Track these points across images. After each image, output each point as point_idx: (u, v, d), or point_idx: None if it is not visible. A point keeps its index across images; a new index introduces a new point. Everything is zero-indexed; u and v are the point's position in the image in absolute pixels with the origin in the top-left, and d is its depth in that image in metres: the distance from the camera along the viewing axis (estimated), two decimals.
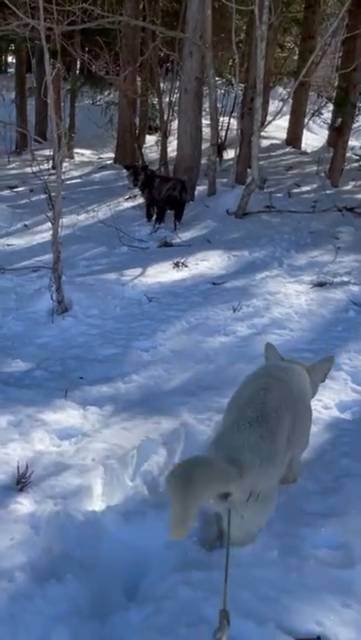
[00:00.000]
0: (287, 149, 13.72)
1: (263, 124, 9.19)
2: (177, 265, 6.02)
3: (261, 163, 9.97)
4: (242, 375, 3.58)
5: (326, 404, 3.24)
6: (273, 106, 16.32)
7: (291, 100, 14.29)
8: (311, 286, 5.15)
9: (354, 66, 9.16)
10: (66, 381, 3.63)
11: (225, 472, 1.91)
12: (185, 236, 7.27)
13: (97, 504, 2.48)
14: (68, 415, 3.17)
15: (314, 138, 15.89)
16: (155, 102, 12.40)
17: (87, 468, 2.62)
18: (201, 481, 1.85)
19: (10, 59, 23.25)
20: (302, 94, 13.99)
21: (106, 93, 15.63)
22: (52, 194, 4.69)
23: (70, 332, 4.50)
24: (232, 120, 12.87)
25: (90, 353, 4.18)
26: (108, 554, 2.24)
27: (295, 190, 9.51)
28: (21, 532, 2.22)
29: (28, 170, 8.22)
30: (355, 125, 11.87)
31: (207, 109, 9.97)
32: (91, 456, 2.73)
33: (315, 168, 10.74)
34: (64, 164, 11.06)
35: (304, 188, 9.73)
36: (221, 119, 11.80)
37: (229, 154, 11.10)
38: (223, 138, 12.10)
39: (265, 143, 13.45)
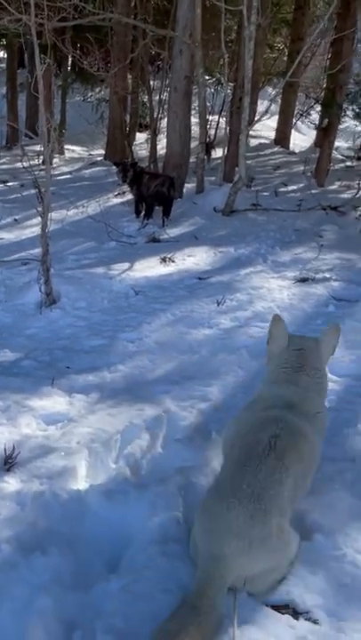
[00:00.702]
0: (276, 149, 13.87)
1: (251, 124, 9.31)
2: (164, 260, 6.13)
3: (250, 162, 10.10)
4: (224, 366, 3.73)
5: None
6: (262, 106, 16.45)
7: (279, 101, 14.45)
8: (294, 282, 5.28)
9: (340, 66, 9.30)
10: (53, 370, 3.73)
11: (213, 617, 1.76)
12: (173, 232, 7.37)
13: (81, 484, 2.58)
14: (54, 402, 3.26)
15: (302, 138, 16.06)
16: (145, 100, 12.48)
17: (72, 451, 2.72)
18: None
19: (1, 53, 23.16)
20: (291, 95, 14.15)
21: (97, 90, 15.66)
22: (42, 189, 4.78)
23: (58, 324, 4.59)
24: (221, 119, 12.97)
25: (77, 344, 4.27)
26: (91, 529, 2.34)
27: (282, 189, 9.65)
28: (8, 509, 2.32)
29: (19, 165, 8.27)
30: (341, 126, 12.03)
31: (197, 108, 10.07)
32: (76, 439, 2.83)
33: (302, 168, 10.89)
34: (54, 160, 11.12)
35: (291, 188, 9.88)
36: (211, 118, 11.91)
37: (218, 152, 11.21)
38: (212, 136, 12.20)
39: (254, 142, 13.59)
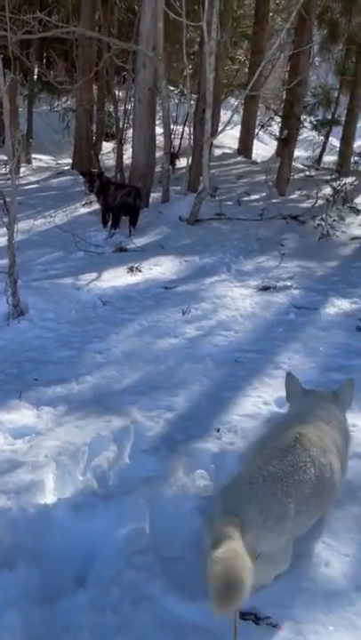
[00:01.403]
0: (238, 159, 14.01)
1: (214, 135, 9.39)
2: (131, 269, 6.13)
3: (213, 171, 10.18)
4: (189, 375, 3.76)
5: (266, 400, 3.41)
6: (226, 116, 16.61)
7: (242, 111, 14.62)
8: (256, 290, 5.35)
9: (298, 80, 9.48)
10: (21, 383, 3.69)
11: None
12: (139, 241, 7.38)
13: (49, 497, 2.57)
14: (22, 415, 3.24)
15: (264, 148, 16.28)
16: (111, 110, 12.45)
17: (40, 465, 2.71)
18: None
19: None
20: (252, 106, 14.33)
21: (63, 100, 15.54)
22: (7, 199, 4.72)
23: (26, 336, 4.55)
24: (185, 129, 13.04)
25: (45, 355, 4.24)
26: (59, 543, 2.33)
27: (245, 198, 9.76)
28: None
29: None
30: (301, 137, 12.25)
31: (161, 118, 10.10)
32: (43, 453, 2.82)
33: (264, 177, 11.03)
34: (21, 169, 10.98)
35: (253, 197, 9.99)
36: (175, 128, 11.96)
37: (183, 162, 11.27)
38: (177, 147, 12.26)
39: (217, 152, 13.70)
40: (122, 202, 7.70)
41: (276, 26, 17.57)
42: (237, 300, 5.01)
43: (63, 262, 6.52)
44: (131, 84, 10.75)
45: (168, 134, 9.25)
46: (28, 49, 11.04)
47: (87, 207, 8.88)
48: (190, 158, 9.70)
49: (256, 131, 15.03)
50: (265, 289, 5.36)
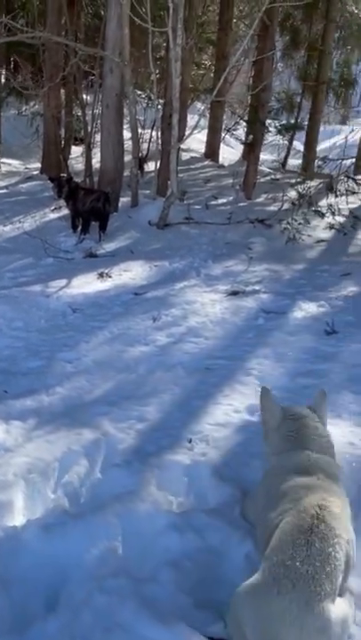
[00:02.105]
0: (206, 162, 13.97)
1: (182, 139, 9.32)
2: (101, 275, 6.01)
3: (182, 175, 10.11)
4: (161, 384, 3.67)
5: (236, 407, 3.35)
6: (193, 120, 16.55)
7: (208, 115, 14.58)
8: (225, 295, 5.30)
9: (262, 85, 9.48)
10: None
11: None
12: (109, 246, 7.26)
13: (18, 519, 2.45)
14: None
15: (231, 152, 16.28)
16: (79, 114, 12.24)
17: (8, 484, 2.58)
18: None
19: None
20: (218, 110, 14.30)
21: (31, 104, 15.22)
22: None
23: None
24: (153, 133, 12.93)
25: (14, 366, 4.09)
26: (28, 566, 2.21)
27: (212, 202, 9.71)
28: None
29: None
30: (266, 141, 12.28)
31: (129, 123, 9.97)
32: (12, 471, 2.69)
33: (231, 181, 11.01)
34: None
35: (221, 201, 9.96)
36: (143, 131, 11.84)
37: (150, 166, 11.16)
38: (145, 151, 12.14)
39: (185, 156, 13.63)
40: (91, 207, 7.57)
41: (240, 32, 17.66)
42: (207, 306, 4.95)
43: (33, 269, 6.35)
44: (98, 89, 10.58)
45: (136, 139, 9.14)
46: None
47: (56, 212, 8.70)
48: (159, 162, 9.60)
49: (222, 135, 15.00)
50: (234, 294, 5.31)
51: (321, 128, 14.35)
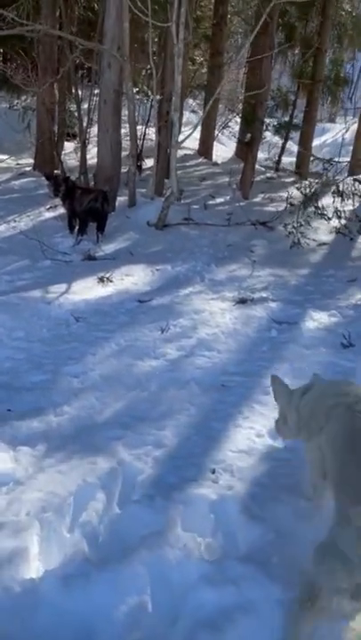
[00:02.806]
0: (200, 160, 13.67)
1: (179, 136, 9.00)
2: (102, 280, 5.73)
3: (178, 172, 9.81)
4: (175, 403, 3.42)
5: (258, 431, 3.12)
6: (184, 117, 16.21)
7: (200, 112, 14.29)
8: (234, 303, 5.06)
9: (264, 88, 9.20)
10: None
11: None
12: (108, 248, 6.97)
13: (34, 567, 2.20)
14: None
15: (223, 149, 15.98)
16: (73, 109, 11.85)
17: (22, 526, 2.32)
18: None
19: None
20: (212, 107, 13.97)
21: (23, 98, 14.74)
22: None
23: None
24: (149, 130, 12.60)
25: (17, 380, 3.82)
26: (47, 624, 1.97)
27: (210, 202, 9.44)
28: None
29: None
30: (264, 141, 12.02)
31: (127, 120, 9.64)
32: (25, 510, 2.43)
33: (226, 179, 10.75)
34: None
35: (218, 200, 9.69)
36: (139, 128, 11.49)
37: (147, 163, 10.85)
38: (141, 147, 11.80)
39: (180, 153, 13.26)
40: (89, 207, 7.25)
41: (233, 27, 17.33)
42: (217, 316, 4.70)
43: (30, 272, 6.04)
44: (94, 84, 10.21)
45: (134, 136, 8.82)
46: None
47: (52, 211, 8.36)
48: (155, 161, 9.29)
49: (216, 132, 14.71)
50: (242, 301, 5.07)
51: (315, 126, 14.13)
